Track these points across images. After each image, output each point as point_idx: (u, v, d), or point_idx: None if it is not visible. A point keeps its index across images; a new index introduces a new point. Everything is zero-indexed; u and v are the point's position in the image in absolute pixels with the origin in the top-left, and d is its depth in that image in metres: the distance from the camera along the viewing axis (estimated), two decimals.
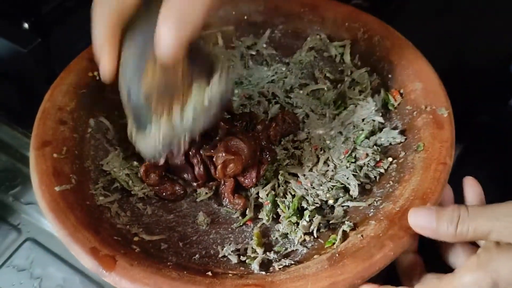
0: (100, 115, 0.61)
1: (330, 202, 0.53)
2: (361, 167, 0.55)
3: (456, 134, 0.54)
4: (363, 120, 0.60)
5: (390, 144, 0.57)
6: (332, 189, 0.54)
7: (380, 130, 0.59)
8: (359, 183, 0.54)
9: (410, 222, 0.46)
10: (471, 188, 0.50)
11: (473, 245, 0.47)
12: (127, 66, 0.45)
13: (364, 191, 0.55)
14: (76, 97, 0.60)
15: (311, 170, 0.56)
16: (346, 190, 0.54)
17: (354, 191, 0.54)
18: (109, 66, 0.44)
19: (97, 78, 0.62)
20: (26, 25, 0.72)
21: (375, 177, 0.55)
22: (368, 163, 0.55)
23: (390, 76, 0.62)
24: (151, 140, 0.48)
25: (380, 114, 0.60)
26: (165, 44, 0.41)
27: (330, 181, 0.55)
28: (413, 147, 0.55)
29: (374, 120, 0.59)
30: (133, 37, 0.45)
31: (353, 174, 0.54)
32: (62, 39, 0.74)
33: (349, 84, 0.64)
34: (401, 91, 0.60)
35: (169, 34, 0.40)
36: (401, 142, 0.57)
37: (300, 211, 0.53)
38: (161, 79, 0.44)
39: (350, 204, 0.53)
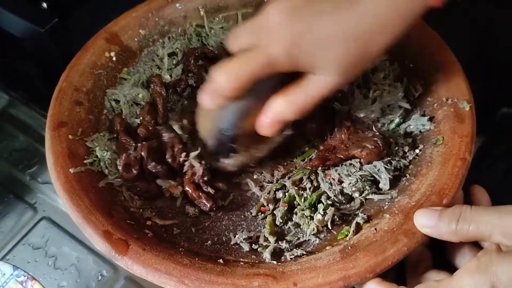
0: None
1: (356, 195, 0.52)
2: (390, 158, 0.54)
3: (477, 126, 0.53)
4: (388, 106, 0.58)
5: (420, 132, 0.56)
6: (360, 180, 0.52)
7: (408, 117, 0.57)
8: (390, 177, 0.52)
9: (415, 222, 0.46)
10: (480, 197, 0.50)
11: (480, 248, 0.46)
12: (230, 111, 0.50)
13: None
14: (92, 78, 0.59)
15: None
16: (373, 182, 0.53)
17: (386, 184, 0.52)
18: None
19: (113, 58, 0.62)
20: (44, 5, 0.72)
21: (400, 168, 0.54)
22: (397, 153, 0.54)
23: (411, 65, 0.61)
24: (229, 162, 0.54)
25: (406, 100, 0.58)
26: (264, 128, 0.49)
27: (359, 171, 0.53)
28: (432, 140, 0.54)
29: (400, 107, 0.58)
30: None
31: (384, 167, 0.53)
32: (82, 21, 0.74)
33: (370, 71, 0.62)
34: (422, 81, 0.59)
35: (269, 125, 0.49)
36: (430, 129, 0.55)
37: (314, 205, 0.52)
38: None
39: (376, 197, 0.52)
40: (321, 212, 0.51)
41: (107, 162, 0.54)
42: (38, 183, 0.68)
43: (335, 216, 0.51)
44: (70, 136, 0.54)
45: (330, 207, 0.51)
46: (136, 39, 0.64)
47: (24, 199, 0.66)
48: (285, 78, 0.48)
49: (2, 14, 0.68)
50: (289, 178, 0.54)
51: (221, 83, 0.47)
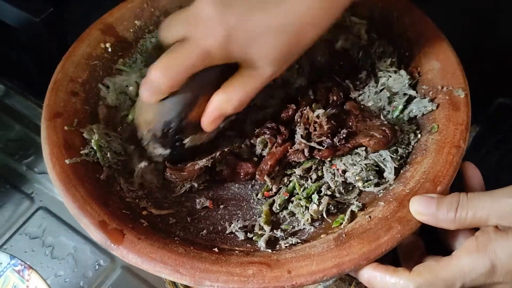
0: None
1: (359, 184, 0.52)
2: (396, 147, 0.53)
3: (473, 116, 0.53)
4: (394, 94, 0.58)
5: (423, 114, 0.55)
6: (364, 169, 0.52)
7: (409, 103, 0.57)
8: (395, 166, 0.52)
9: (411, 209, 0.46)
10: (471, 174, 0.50)
11: (475, 231, 0.46)
12: (175, 102, 0.51)
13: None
14: (88, 69, 0.59)
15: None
16: (377, 171, 0.53)
17: (390, 173, 0.52)
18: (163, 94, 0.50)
19: (109, 50, 0.62)
20: None
21: (404, 156, 0.53)
22: (402, 141, 0.54)
23: (407, 54, 0.60)
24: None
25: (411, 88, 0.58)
26: (206, 125, 0.51)
27: (364, 160, 0.53)
28: (427, 128, 0.54)
29: (405, 94, 0.57)
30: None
31: (390, 156, 0.52)
32: (77, 10, 0.74)
33: (376, 58, 0.61)
34: (418, 69, 0.59)
35: (211, 122, 0.51)
36: (432, 110, 0.54)
37: (311, 196, 0.52)
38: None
39: (375, 189, 0.51)
40: (316, 202, 0.51)
41: (103, 153, 0.54)
42: (35, 173, 0.68)
43: (330, 205, 0.51)
44: (66, 127, 0.54)
45: (324, 197, 0.51)
46: (131, 30, 0.64)
47: (21, 189, 0.67)
48: (225, 68, 0.49)
49: None
50: (299, 166, 0.54)
51: (157, 80, 0.48)
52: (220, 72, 0.50)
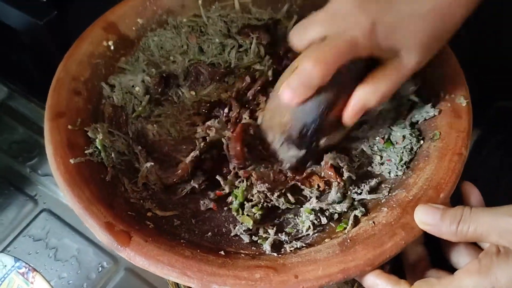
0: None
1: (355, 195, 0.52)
2: (400, 153, 0.54)
3: (474, 119, 0.54)
4: (397, 99, 0.57)
5: (425, 119, 0.56)
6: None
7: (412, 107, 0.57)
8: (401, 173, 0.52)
9: (415, 218, 0.46)
10: (470, 192, 0.50)
11: (477, 246, 0.47)
12: (316, 104, 0.50)
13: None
14: (90, 67, 0.59)
15: None
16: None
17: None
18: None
19: (111, 48, 0.61)
20: None
21: (407, 160, 0.54)
22: (406, 147, 0.54)
23: None
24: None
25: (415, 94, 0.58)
26: (350, 118, 0.50)
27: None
28: (429, 135, 0.54)
29: (409, 100, 0.57)
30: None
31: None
32: (80, 14, 0.74)
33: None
34: (419, 76, 0.59)
35: (354, 115, 0.50)
36: (434, 116, 0.55)
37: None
38: None
39: (369, 196, 0.52)
40: (311, 219, 0.51)
41: (108, 153, 0.54)
42: (38, 175, 0.68)
43: (333, 214, 0.51)
44: (69, 126, 0.54)
45: (321, 215, 0.51)
46: (134, 28, 0.63)
47: (25, 191, 0.67)
48: (363, 68, 0.49)
49: (1, 7, 0.68)
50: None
51: (311, 72, 0.46)
52: (359, 72, 0.49)
